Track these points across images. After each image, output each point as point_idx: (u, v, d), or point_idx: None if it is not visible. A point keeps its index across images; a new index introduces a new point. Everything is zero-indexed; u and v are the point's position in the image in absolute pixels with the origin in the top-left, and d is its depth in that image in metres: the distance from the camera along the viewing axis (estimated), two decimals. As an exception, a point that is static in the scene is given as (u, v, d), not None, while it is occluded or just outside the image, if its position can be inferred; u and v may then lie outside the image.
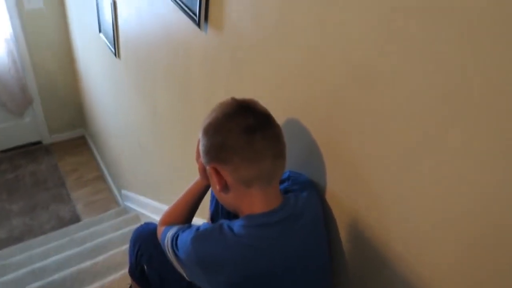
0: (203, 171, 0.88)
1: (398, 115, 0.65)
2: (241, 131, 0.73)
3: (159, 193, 2.31)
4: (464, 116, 0.55)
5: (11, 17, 3.10)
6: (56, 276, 1.87)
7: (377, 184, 0.74)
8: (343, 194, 0.85)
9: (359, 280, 0.88)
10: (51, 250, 2.42)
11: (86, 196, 3.43)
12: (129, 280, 1.44)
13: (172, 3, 1.33)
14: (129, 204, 2.95)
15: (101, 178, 3.65)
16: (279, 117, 0.81)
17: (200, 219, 1.18)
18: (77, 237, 2.54)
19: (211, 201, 1.10)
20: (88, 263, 1.95)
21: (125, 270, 1.68)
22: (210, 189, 1.00)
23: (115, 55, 2.25)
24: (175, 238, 0.83)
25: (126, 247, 2.00)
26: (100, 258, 1.97)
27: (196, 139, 0.91)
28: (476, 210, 0.57)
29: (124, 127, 2.64)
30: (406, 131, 0.64)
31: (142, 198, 2.62)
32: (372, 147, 0.72)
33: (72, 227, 2.89)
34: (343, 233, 0.88)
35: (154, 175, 2.30)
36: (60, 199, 3.34)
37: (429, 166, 0.62)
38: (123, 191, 3.08)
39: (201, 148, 0.81)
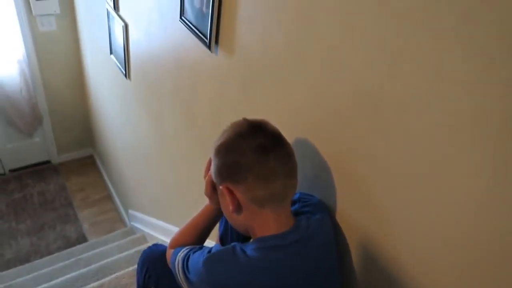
0: (211, 193, 0.87)
1: (407, 139, 0.65)
2: (254, 150, 0.73)
3: (165, 213, 2.30)
4: (475, 140, 0.54)
5: (24, 39, 3.17)
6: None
7: (387, 207, 0.73)
8: (353, 216, 0.84)
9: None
10: (57, 271, 2.40)
11: (93, 216, 3.42)
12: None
13: (182, 25, 1.35)
14: (136, 224, 2.94)
15: (108, 198, 3.65)
16: (289, 139, 0.81)
17: (208, 241, 1.17)
18: (83, 258, 2.53)
19: (220, 222, 1.09)
20: (94, 285, 1.93)
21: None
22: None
23: (125, 76, 2.28)
24: (186, 259, 0.82)
25: (132, 268, 1.98)
26: (106, 279, 1.95)
27: (203, 160, 0.91)
28: (492, 236, 0.56)
29: (132, 147, 2.65)
30: (416, 154, 0.64)
31: (148, 218, 2.60)
32: (381, 169, 0.72)
33: (78, 247, 2.88)
34: (353, 255, 0.87)
35: (161, 195, 2.29)
36: (67, 219, 3.34)
37: (440, 190, 0.61)
38: (130, 211, 3.07)
39: (213, 168, 0.81)
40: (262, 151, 0.73)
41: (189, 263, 0.80)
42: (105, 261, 2.32)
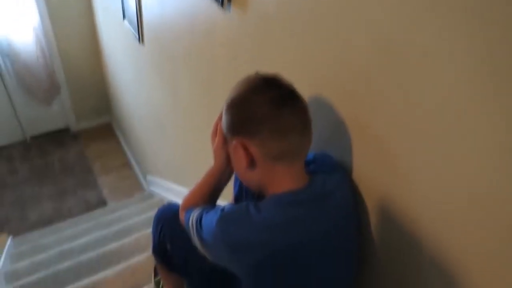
0: (220, 150, 0.86)
1: (429, 92, 0.61)
2: (269, 104, 0.71)
3: (182, 177, 2.32)
4: (501, 92, 0.51)
5: (38, 6, 3.16)
6: (83, 257, 1.92)
7: (405, 164, 0.71)
8: (371, 175, 0.82)
9: (387, 261, 0.86)
10: (79, 233, 2.48)
11: (112, 182, 3.50)
12: (154, 262, 1.46)
13: None
14: (153, 189, 2.99)
15: (126, 164, 3.72)
16: (304, 96, 0.78)
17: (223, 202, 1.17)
18: (103, 221, 2.60)
19: (235, 183, 1.08)
20: (114, 245, 1.99)
21: (150, 252, 1.71)
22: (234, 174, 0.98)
23: (139, 41, 2.26)
24: (199, 220, 0.81)
25: (150, 230, 2.03)
26: (126, 240, 2.01)
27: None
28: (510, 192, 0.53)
29: (148, 112, 2.66)
30: (437, 109, 0.61)
31: (166, 183, 2.65)
32: (401, 125, 0.69)
33: (99, 211, 2.96)
34: (371, 214, 0.85)
35: (177, 159, 2.31)
36: (87, 185, 3.43)
37: (464, 145, 0.59)
38: (148, 176, 3.13)
39: (225, 123, 0.79)
40: (277, 104, 0.71)
41: (203, 223, 0.79)
42: (124, 223, 2.38)
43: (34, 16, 3.21)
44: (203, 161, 1.87)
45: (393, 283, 0.87)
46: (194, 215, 0.84)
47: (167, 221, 1.03)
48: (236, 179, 1.08)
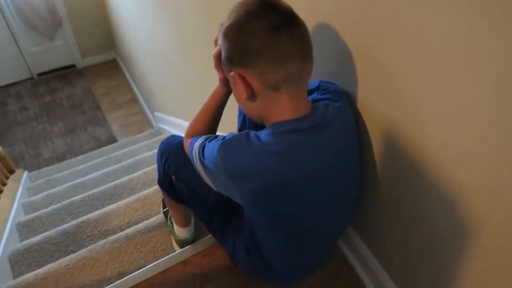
0: (224, 78, 0.83)
1: (436, 20, 0.56)
2: (266, 31, 0.67)
3: (189, 113, 2.31)
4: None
5: None
6: (96, 190, 1.98)
7: (412, 91, 0.68)
8: (375, 103, 0.79)
9: (388, 185, 0.86)
10: (91, 168, 2.54)
11: (121, 119, 3.52)
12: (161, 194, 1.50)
13: None
14: (162, 125, 3.00)
15: (134, 100, 3.71)
16: (309, 22, 0.73)
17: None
18: (114, 156, 2.65)
19: (239, 115, 1.07)
20: (124, 179, 2.04)
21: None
22: (238, 106, 0.96)
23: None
24: (202, 148, 0.81)
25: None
26: (136, 174, 2.05)
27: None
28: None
29: (153, 48, 2.59)
30: (447, 32, 0.56)
31: (174, 119, 2.64)
32: (408, 50, 0.65)
33: (109, 147, 3.01)
34: (375, 143, 0.84)
35: (184, 95, 2.29)
36: (96, 121, 3.45)
37: (468, 72, 0.54)
38: (156, 113, 3.12)
39: (223, 54, 0.75)
40: (274, 31, 0.67)
41: (205, 151, 0.79)
42: (134, 158, 2.42)
43: None
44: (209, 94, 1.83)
45: (393, 207, 0.88)
46: (197, 143, 0.83)
47: (171, 152, 1.03)
48: (239, 111, 1.06)
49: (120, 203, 1.72)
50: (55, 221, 1.79)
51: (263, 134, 0.73)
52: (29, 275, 1.27)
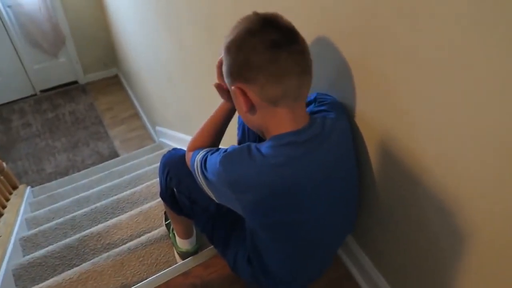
0: (226, 92, 0.86)
1: (437, 27, 0.59)
2: (266, 47, 0.70)
3: (190, 127, 2.34)
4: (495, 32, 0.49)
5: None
6: (98, 204, 2.00)
7: (407, 102, 0.71)
8: (372, 114, 0.82)
9: (385, 194, 0.88)
10: (93, 182, 2.57)
11: (123, 134, 3.56)
12: (164, 207, 1.51)
13: None
14: (163, 139, 3.04)
15: (136, 116, 3.75)
16: (307, 37, 0.76)
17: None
18: (116, 171, 2.67)
19: (238, 128, 1.09)
20: (126, 193, 2.06)
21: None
22: (238, 116, 0.99)
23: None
24: (204, 160, 0.83)
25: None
26: (137, 188, 2.07)
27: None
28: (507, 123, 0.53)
29: (154, 63, 2.63)
30: (442, 46, 0.59)
31: (175, 133, 2.68)
32: (405, 63, 0.68)
33: (111, 161, 3.03)
34: (371, 153, 0.86)
35: (185, 109, 2.32)
36: (98, 137, 3.49)
37: (461, 82, 0.57)
38: (157, 128, 3.16)
39: (224, 68, 0.78)
40: (274, 47, 0.69)
41: (207, 163, 0.82)
42: (136, 172, 2.44)
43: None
44: (211, 109, 1.87)
45: (390, 215, 0.90)
46: (199, 156, 0.85)
47: (173, 165, 1.06)
48: (239, 124, 1.09)
49: (122, 217, 1.74)
50: (58, 236, 1.81)
51: (264, 147, 0.75)
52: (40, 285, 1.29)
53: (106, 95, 3.96)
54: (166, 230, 1.43)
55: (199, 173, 0.84)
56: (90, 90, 3.99)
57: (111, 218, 1.85)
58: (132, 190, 2.08)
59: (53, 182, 2.83)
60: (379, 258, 1.02)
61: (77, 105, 3.82)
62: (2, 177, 2.27)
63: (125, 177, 2.45)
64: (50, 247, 1.60)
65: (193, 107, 2.15)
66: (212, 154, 0.82)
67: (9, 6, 3.25)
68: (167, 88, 2.52)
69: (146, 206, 1.78)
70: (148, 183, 2.13)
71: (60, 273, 1.43)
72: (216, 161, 0.77)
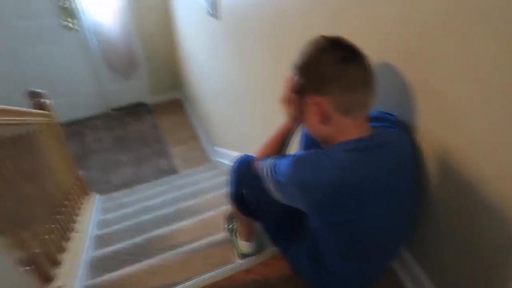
0: (293, 107, 0.96)
1: (495, 51, 0.67)
2: (337, 62, 0.81)
3: (250, 147, 2.47)
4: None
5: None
6: (161, 212, 2.16)
7: (466, 120, 0.77)
8: (431, 131, 0.89)
9: (444, 209, 0.93)
10: (155, 194, 2.76)
11: (182, 153, 3.78)
12: (226, 212, 1.63)
13: None
14: (221, 160, 3.20)
15: (194, 136, 3.98)
16: (370, 57, 0.86)
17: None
18: (176, 185, 2.86)
19: (301, 140, 1.19)
20: (187, 204, 2.21)
21: (220, 209, 1.90)
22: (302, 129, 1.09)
23: (214, 16, 2.41)
24: (273, 165, 0.94)
25: (218, 193, 2.23)
26: (197, 200, 2.22)
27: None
28: None
29: (221, 86, 2.83)
30: (504, 65, 0.66)
31: (233, 153, 2.83)
32: (466, 83, 0.75)
33: (172, 177, 3.24)
34: (431, 167, 0.93)
35: (248, 131, 2.46)
36: (160, 154, 3.74)
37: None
38: (216, 148, 3.34)
39: (295, 84, 0.89)
40: (344, 62, 0.81)
41: (277, 167, 0.92)
42: (195, 187, 2.61)
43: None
44: (270, 130, 1.99)
45: (448, 226, 0.94)
46: (269, 161, 0.97)
47: (244, 170, 1.17)
48: (302, 136, 1.19)
49: (185, 223, 1.88)
50: (126, 236, 1.98)
51: (331, 151, 0.85)
52: (110, 275, 1.44)
53: (169, 117, 4.25)
54: (227, 235, 1.54)
55: (269, 176, 0.94)
56: (155, 111, 4.31)
57: (173, 224, 2.00)
58: (192, 201, 2.23)
59: (120, 192, 3.07)
60: (435, 270, 1.06)
61: (143, 124, 4.13)
62: (78, 183, 2.52)
63: (185, 190, 2.62)
64: (120, 244, 1.76)
65: (255, 128, 2.28)
66: (280, 159, 0.93)
67: (94, 32, 3.66)
68: (230, 110, 2.70)
69: (205, 215, 1.91)
70: (206, 196, 2.28)
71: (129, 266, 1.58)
72: (287, 164, 0.87)
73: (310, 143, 1.15)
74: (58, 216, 1.70)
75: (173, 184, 2.90)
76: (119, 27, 3.70)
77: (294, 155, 0.90)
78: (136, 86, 4.22)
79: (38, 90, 2.17)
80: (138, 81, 4.18)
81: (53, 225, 1.58)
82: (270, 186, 0.95)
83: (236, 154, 2.75)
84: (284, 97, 0.97)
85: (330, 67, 0.82)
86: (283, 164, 0.89)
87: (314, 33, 1.30)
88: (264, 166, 0.98)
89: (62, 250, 1.59)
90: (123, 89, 4.17)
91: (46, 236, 1.42)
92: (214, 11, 2.38)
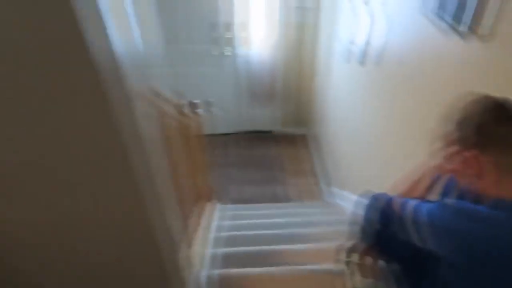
0: (451, 158, 0.97)
1: None
2: (502, 122, 0.83)
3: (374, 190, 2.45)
4: None
5: (280, 27, 3.84)
6: (275, 231, 2.30)
7: None
8: None
9: None
10: (267, 215, 2.93)
11: (298, 184, 3.93)
12: (344, 246, 1.66)
13: (431, 16, 1.47)
14: (338, 200, 3.23)
15: (313, 173, 4.10)
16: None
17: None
18: (290, 212, 2.99)
19: (446, 189, 1.19)
20: (299, 230, 2.31)
21: (335, 243, 1.93)
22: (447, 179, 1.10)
23: (362, 64, 2.54)
24: (416, 207, 0.96)
25: (330, 228, 2.27)
26: (312, 230, 2.30)
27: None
28: None
29: (357, 129, 2.89)
30: None
31: (352, 196, 2.84)
32: None
33: (287, 204, 3.39)
34: None
35: (381, 176, 2.45)
36: (278, 181, 3.95)
37: None
38: (333, 188, 3.39)
39: (458, 137, 0.90)
40: (508, 123, 0.82)
41: (422, 210, 0.93)
42: (308, 218, 2.70)
43: (274, 34, 3.91)
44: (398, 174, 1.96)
45: None
46: (412, 203, 0.99)
47: (384, 208, 1.20)
48: (447, 186, 1.19)
49: (293, 246, 1.97)
50: (242, 243, 2.15)
51: (483, 207, 0.85)
52: (231, 271, 1.60)
53: (293, 149, 4.47)
54: (341, 267, 1.58)
55: (411, 217, 0.97)
56: (280, 141, 4.58)
57: (282, 244, 2.10)
58: (303, 229, 2.32)
59: (237, 205, 3.34)
60: None
61: (268, 150, 4.42)
62: (208, 188, 2.83)
63: (297, 218, 2.73)
64: (240, 248, 1.93)
65: (385, 176, 2.28)
66: (424, 203, 0.96)
67: (245, 61, 4.11)
68: (361, 153, 2.73)
69: (319, 245, 1.98)
70: (321, 228, 2.34)
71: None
72: (431, 208, 0.89)
73: (447, 192, 1.15)
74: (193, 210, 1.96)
75: (287, 211, 3.04)
76: (268, 59, 4.09)
77: (443, 202, 0.92)
78: (269, 115, 4.55)
79: (196, 101, 2.55)
80: (271, 111, 4.51)
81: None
82: (409, 227, 0.97)
83: (353, 197, 2.77)
84: (447, 151, 0.96)
85: (494, 126, 0.83)
86: (431, 206, 0.91)
87: (470, 89, 1.31)
88: (406, 205, 1.01)
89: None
90: (258, 115, 4.54)
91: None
92: (362, 58, 2.51)
